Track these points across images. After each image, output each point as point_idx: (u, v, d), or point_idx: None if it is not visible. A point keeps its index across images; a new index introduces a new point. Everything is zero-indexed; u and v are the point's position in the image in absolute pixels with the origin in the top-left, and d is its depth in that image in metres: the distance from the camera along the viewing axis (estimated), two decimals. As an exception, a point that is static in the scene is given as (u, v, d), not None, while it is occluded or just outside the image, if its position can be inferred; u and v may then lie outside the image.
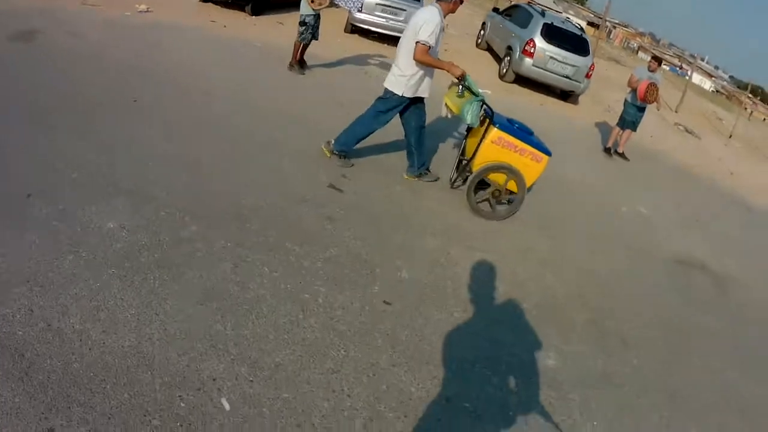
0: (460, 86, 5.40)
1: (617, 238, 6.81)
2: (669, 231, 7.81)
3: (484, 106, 5.42)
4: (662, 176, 11.35)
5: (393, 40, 11.89)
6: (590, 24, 74.71)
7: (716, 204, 10.94)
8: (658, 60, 11.17)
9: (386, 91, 5.60)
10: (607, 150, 11.19)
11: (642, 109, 10.92)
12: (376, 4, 12.71)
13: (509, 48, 14.01)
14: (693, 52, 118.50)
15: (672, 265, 6.56)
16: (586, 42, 14.04)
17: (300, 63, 9.19)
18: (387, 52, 12.30)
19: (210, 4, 12.33)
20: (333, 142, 5.91)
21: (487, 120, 5.59)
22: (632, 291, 5.52)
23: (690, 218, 8.96)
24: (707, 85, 73.47)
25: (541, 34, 13.34)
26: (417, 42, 5.23)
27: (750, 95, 36.99)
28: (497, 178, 5.69)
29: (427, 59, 5.27)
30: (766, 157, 19.30)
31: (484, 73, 14.11)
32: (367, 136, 5.86)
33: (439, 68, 5.40)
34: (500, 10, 16.28)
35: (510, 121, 5.76)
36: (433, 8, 5.33)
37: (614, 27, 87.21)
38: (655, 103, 10.96)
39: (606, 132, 12.28)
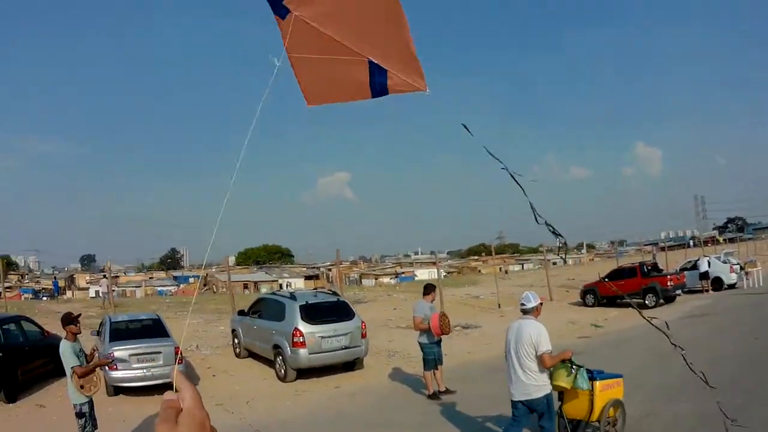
0: (572, 366, 6.60)
1: None
2: None
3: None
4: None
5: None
6: (308, 278, 79.07)
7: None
8: (432, 288, 11.14)
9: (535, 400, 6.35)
10: (433, 395, 10.53)
11: (439, 343, 10.66)
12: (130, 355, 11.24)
13: (276, 347, 12.72)
14: (403, 252, 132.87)
15: None
16: (347, 304, 13.65)
17: None
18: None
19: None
20: None
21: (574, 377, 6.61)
22: None
23: None
24: (435, 274, 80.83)
25: (303, 319, 12.38)
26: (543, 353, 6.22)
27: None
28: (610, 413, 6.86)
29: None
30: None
31: (261, 383, 12.51)
32: None
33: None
34: (245, 310, 15.12)
35: (588, 370, 6.76)
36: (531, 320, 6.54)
37: (329, 270, 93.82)
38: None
39: (410, 381, 12.05)
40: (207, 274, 78.10)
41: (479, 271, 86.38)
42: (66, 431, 9.37)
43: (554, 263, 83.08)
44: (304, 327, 12.25)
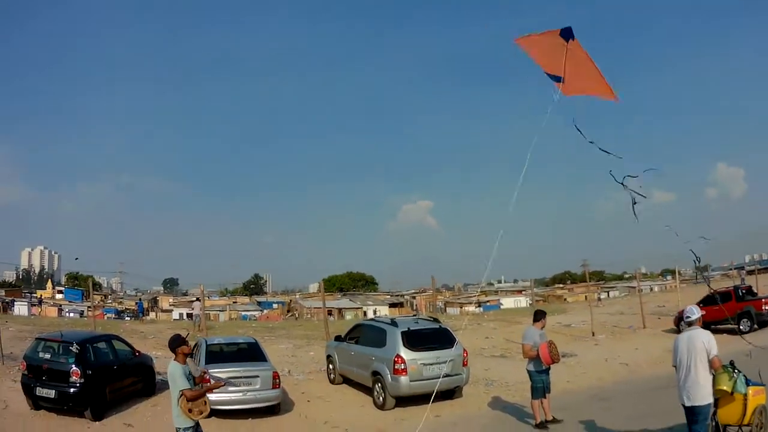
0: (734, 371, 7.30)
1: None
2: None
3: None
4: None
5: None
6: (392, 306, 78.92)
7: None
8: (543, 314, 10.83)
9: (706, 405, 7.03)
10: (541, 425, 10.19)
11: (547, 371, 10.31)
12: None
13: (376, 374, 12.49)
14: (486, 281, 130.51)
15: None
16: (448, 331, 13.26)
17: None
18: None
19: (43, 413, 10.95)
20: None
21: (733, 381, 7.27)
22: None
23: None
24: (522, 302, 79.08)
25: (405, 345, 12.11)
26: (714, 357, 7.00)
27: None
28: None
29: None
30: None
31: (358, 410, 12.33)
32: None
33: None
34: (342, 336, 15.02)
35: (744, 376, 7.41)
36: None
37: (413, 297, 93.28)
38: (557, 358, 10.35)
39: (511, 410, 11.96)
40: (291, 301, 79.57)
41: (565, 299, 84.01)
42: None
43: (640, 290, 79.31)
44: (406, 354, 11.99)
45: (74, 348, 10.87)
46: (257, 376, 11.42)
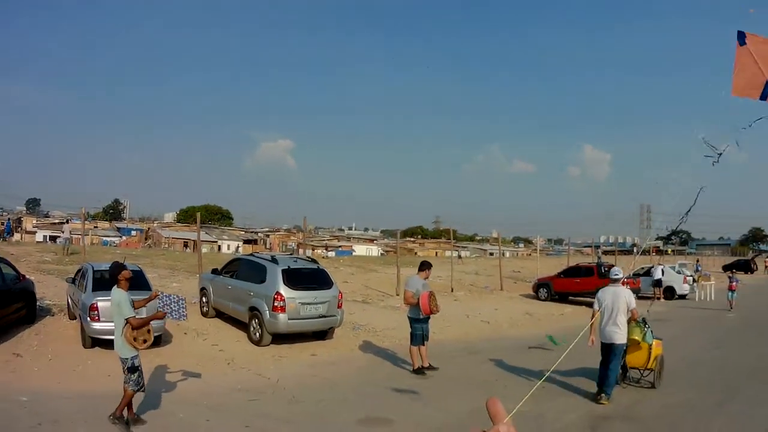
0: (645, 325, 9.54)
1: None
2: None
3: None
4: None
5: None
6: (246, 242, 78.22)
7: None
8: (428, 265, 11.05)
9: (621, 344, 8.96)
10: (419, 370, 10.56)
11: (427, 320, 10.67)
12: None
13: (253, 309, 12.47)
14: (339, 225, 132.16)
15: None
16: (325, 272, 13.45)
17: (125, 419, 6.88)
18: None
19: None
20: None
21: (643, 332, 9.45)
22: None
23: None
24: (374, 251, 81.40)
25: (285, 283, 12.17)
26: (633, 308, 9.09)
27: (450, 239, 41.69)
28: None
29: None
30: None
31: (235, 345, 12.30)
32: None
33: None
34: (218, 269, 14.79)
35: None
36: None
37: (267, 236, 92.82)
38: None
39: (385, 354, 12.31)
40: (149, 229, 76.35)
41: (416, 253, 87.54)
42: (48, 381, 9.05)
43: (491, 254, 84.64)
44: (285, 291, 12.01)
45: None
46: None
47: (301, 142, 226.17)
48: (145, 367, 8.68)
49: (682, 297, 26.73)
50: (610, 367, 8.76)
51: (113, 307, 6.59)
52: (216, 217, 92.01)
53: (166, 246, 60.17)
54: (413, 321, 10.59)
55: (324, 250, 66.96)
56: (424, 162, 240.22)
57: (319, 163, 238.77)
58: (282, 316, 11.92)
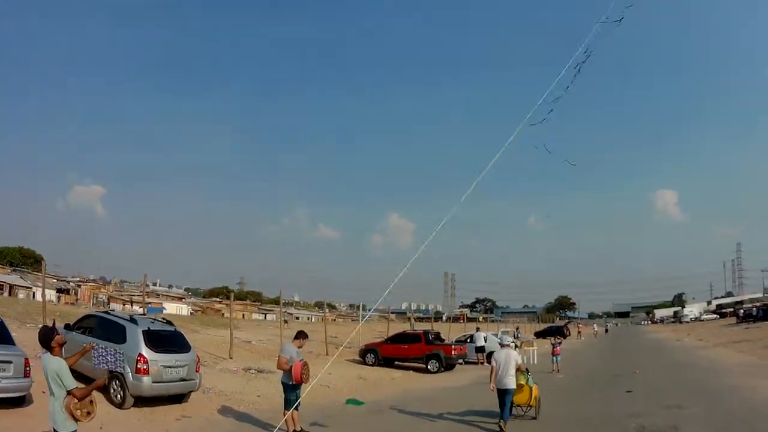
0: (528, 373, 12.93)
1: None
2: None
3: None
4: None
5: None
6: (60, 291, 70.87)
7: None
8: (304, 335, 11.52)
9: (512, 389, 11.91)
10: None
11: (299, 386, 10.95)
12: None
13: (114, 370, 12.01)
14: (148, 280, 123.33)
15: None
16: (183, 336, 13.49)
17: None
18: None
19: None
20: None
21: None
22: None
23: None
24: (184, 310, 77.66)
25: (147, 345, 11.99)
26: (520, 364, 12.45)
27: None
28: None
29: None
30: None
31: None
32: None
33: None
34: (72, 324, 13.96)
35: None
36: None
37: (78, 286, 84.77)
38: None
39: (248, 419, 12.56)
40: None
41: (223, 314, 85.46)
42: None
43: (297, 318, 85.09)
44: (148, 354, 11.83)
45: None
46: (10, 362, 10.12)
47: (113, 190, 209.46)
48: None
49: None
50: (506, 404, 11.80)
51: (50, 378, 6.05)
52: (29, 261, 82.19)
53: (-7, 292, 52.26)
54: (287, 387, 10.97)
55: (136, 307, 62.79)
56: (227, 220, 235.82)
57: (126, 213, 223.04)
58: (146, 379, 11.69)
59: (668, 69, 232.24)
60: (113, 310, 17.78)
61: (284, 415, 11.02)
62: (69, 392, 6.02)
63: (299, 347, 11.29)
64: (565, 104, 10.36)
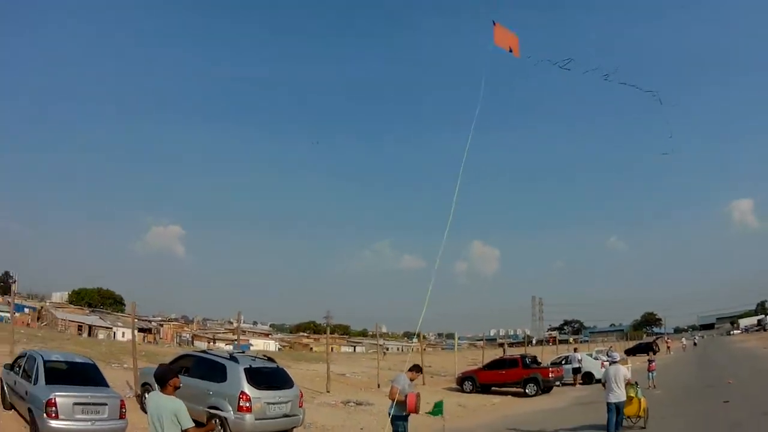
0: (637, 385, 13.97)
1: None
2: None
3: None
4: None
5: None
6: (141, 330, 73.72)
7: None
8: (419, 369, 11.26)
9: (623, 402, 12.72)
10: None
11: (407, 417, 10.64)
12: (74, 404, 9.90)
13: (214, 408, 11.79)
14: (227, 317, 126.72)
15: None
16: (285, 372, 13.28)
17: None
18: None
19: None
20: None
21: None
22: None
23: None
24: (271, 346, 79.00)
25: (249, 383, 11.74)
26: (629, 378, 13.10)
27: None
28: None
29: None
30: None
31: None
32: None
33: None
34: (167, 364, 13.94)
35: None
36: None
37: (160, 325, 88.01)
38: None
39: None
40: (42, 308, 70.04)
41: (311, 348, 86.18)
42: None
43: (387, 349, 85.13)
44: (251, 391, 11.59)
45: None
46: (105, 404, 10.20)
47: (191, 230, 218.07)
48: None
49: (599, 381, 27.77)
50: (619, 416, 12.62)
51: (165, 417, 5.91)
52: (108, 302, 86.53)
53: (63, 328, 55.40)
54: (396, 418, 10.52)
55: (221, 344, 64.29)
56: (310, 258, 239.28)
57: (208, 253, 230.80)
58: (249, 417, 11.44)
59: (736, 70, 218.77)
60: (211, 350, 17.78)
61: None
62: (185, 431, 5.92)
63: (412, 380, 10.89)
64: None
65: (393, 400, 10.56)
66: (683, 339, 72.59)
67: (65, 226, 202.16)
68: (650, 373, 23.90)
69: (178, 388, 6.15)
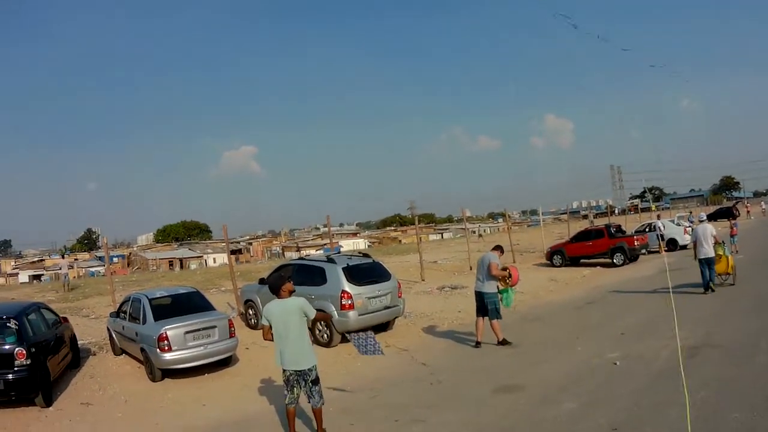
0: (723, 244, 14.79)
1: None
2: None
3: None
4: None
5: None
6: (233, 253, 77.38)
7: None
8: (502, 249, 11.67)
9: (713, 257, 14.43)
10: (504, 341, 11.08)
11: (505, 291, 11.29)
12: (185, 333, 10.45)
13: (319, 311, 12.28)
14: (312, 224, 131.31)
15: None
16: (382, 265, 13.64)
17: None
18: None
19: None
20: None
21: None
22: None
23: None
24: (361, 244, 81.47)
25: (348, 281, 12.24)
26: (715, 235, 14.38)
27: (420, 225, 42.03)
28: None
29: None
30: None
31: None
32: None
33: None
34: (265, 278, 14.64)
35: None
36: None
37: (249, 244, 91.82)
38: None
39: (452, 336, 12.70)
40: (130, 253, 74.74)
41: (400, 241, 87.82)
42: (138, 427, 8.46)
43: (473, 232, 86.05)
44: (351, 289, 12.11)
45: (12, 324, 9.17)
46: (215, 327, 10.79)
47: (264, 147, 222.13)
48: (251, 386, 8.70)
49: (684, 247, 27.40)
50: (710, 269, 14.22)
51: (292, 316, 6.46)
52: (195, 232, 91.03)
53: (154, 268, 59.12)
54: (493, 295, 10.89)
55: (311, 251, 66.57)
56: (387, 150, 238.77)
57: (282, 164, 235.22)
58: (352, 314, 12.00)
59: None
60: (308, 255, 18.45)
61: (493, 325, 10.94)
62: (314, 320, 6.68)
63: (499, 256, 11.08)
64: None
65: (498, 275, 10.81)
66: (762, 203, 69.69)
67: (134, 170, 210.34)
68: (732, 238, 23.40)
69: (293, 291, 6.60)
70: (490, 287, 11.04)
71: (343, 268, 12.48)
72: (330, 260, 13.07)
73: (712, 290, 14.02)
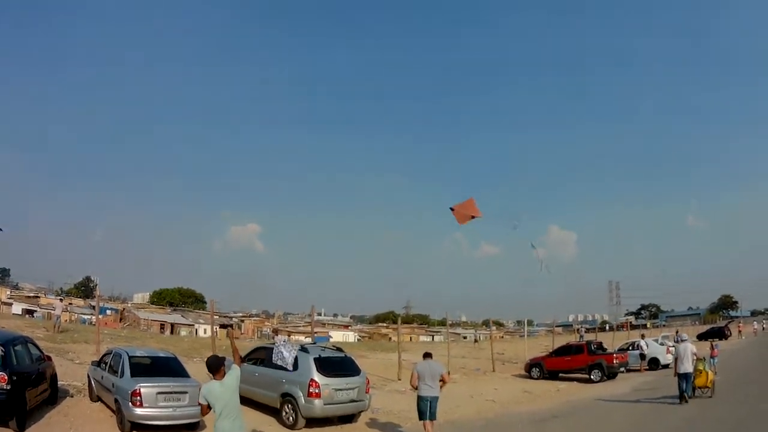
0: (704, 360, 17.36)
1: None
2: None
3: None
4: None
5: None
6: (223, 326, 77.12)
7: None
8: (430, 356, 12.26)
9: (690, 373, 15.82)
10: None
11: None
12: (157, 393, 11.08)
13: (286, 395, 13.04)
14: (306, 311, 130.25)
15: None
16: (352, 360, 14.25)
17: None
18: None
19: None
20: None
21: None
22: None
23: None
24: (350, 337, 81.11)
25: (318, 371, 12.85)
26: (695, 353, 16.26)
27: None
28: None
29: None
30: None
31: (265, 427, 12.85)
32: None
33: None
34: (242, 356, 15.18)
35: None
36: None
37: (241, 321, 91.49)
38: None
39: None
40: (124, 309, 74.76)
41: (390, 338, 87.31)
42: None
43: (464, 337, 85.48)
44: (320, 378, 12.70)
45: None
46: (186, 392, 11.38)
47: (268, 228, 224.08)
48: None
49: (666, 366, 27.62)
50: (688, 384, 15.64)
51: (234, 392, 7.07)
52: (189, 300, 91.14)
53: (145, 328, 59.14)
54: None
55: (300, 337, 66.53)
56: (388, 250, 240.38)
57: (285, 249, 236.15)
58: (318, 402, 12.55)
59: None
60: (285, 340, 18.97)
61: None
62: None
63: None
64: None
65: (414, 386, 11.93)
66: (755, 323, 69.85)
67: (141, 229, 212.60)
68: (712, 359, 23.39)
69: (225, 374, 7.19)
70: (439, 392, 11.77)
71: (315, 359, 13.12)
72: (303, 349, 13.71)
73: (686, 401, 15.44)
